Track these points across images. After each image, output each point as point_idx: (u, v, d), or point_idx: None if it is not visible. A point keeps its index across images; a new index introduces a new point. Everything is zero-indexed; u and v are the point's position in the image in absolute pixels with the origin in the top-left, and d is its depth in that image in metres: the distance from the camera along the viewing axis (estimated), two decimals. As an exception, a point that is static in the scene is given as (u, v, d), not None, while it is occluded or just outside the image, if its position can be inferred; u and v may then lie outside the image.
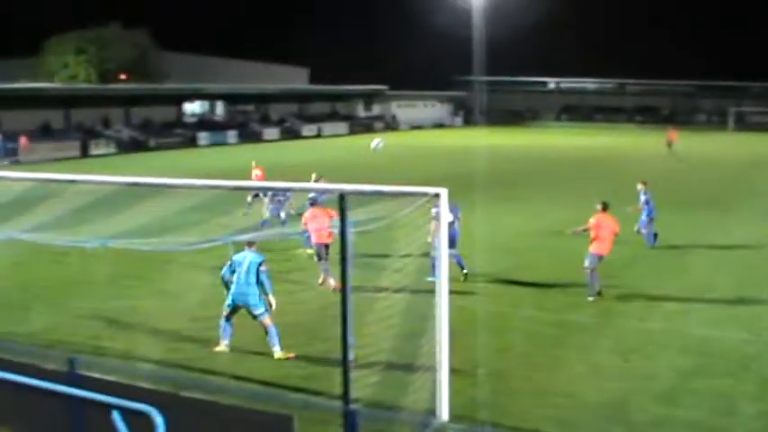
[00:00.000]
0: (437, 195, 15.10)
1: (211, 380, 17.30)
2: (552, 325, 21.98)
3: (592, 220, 25.33)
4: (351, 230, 13.78)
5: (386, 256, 16.76)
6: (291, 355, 19.23)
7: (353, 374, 14.13)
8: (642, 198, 32.24)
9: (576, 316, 22.78)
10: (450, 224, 23.43)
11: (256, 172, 39.44)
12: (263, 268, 19.34)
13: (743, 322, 22.27)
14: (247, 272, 19.26)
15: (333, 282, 24.01)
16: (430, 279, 19.51)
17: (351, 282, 14.04)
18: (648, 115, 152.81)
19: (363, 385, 15.02)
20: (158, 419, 8.87)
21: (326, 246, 25.52)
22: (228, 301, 19.54)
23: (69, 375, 13.60)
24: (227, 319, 19.64)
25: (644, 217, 32.04)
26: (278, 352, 19.18)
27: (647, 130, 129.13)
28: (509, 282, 26.67)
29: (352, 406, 13.35)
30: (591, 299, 24.34)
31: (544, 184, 51.52)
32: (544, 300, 24.53)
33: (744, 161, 68.13)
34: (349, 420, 12.40)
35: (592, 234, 25.08)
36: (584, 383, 17.69)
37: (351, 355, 13.92)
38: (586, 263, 24.77)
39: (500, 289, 25.66)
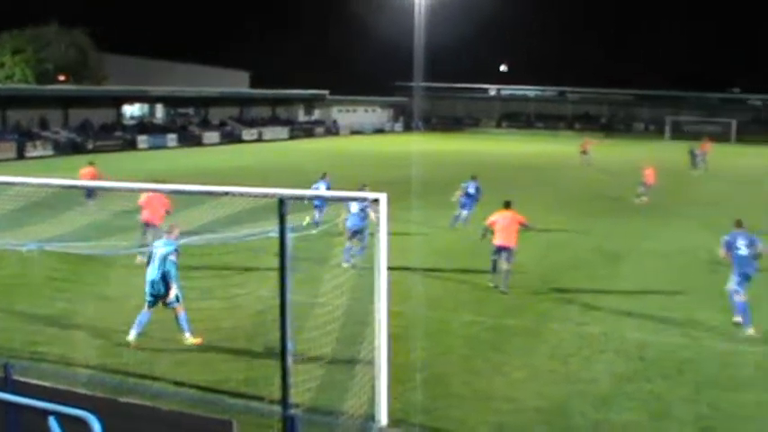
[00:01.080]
0: (376, 201, 15.13)
1: (150, 385, 17.19)
2: (491, 329, 22.06)
3: (491, 218, 27.26)
4: (290, 235, 13.75)
5: (325, 260, 16.81)
6: (199, 340, 19.85)
7: (293, 379, 14.11)
8: None
9: (514, 320, 22.90)
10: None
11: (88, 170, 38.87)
12: (171, 257, 19.74)
13: (678, 327, 22.56)
14: (159, 261, 19.81)
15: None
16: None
17: (290, 286, 14.02)
18: (588, 123, 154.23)
19: (303, 390, 15.03)
20: (96, 425, 8.79)
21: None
22: (148, 291, 19.97)
23: (4, 381, 13.44)
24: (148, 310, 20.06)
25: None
26: (188, 338, 19.86)
27: (587, 137, 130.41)
28: (447, 286, 26.76)
29: (292, 411, 13.34)
30: (490, 284, 26.62)
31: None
32: (483, 304, 24.64)
33: (679, 168, 68.75)
34: (288, 425, 12.39)
35: (493, 229, 26.94)
36: (522, 388, 17.79)
37: (290, 360, 13.89)
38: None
39: (439, 293, 25.72)
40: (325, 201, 34.29)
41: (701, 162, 70.19)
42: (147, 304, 20.04)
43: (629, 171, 59.18)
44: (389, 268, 15.36)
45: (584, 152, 77.15)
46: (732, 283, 22.94)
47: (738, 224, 23.63)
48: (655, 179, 50.61)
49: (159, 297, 19.97)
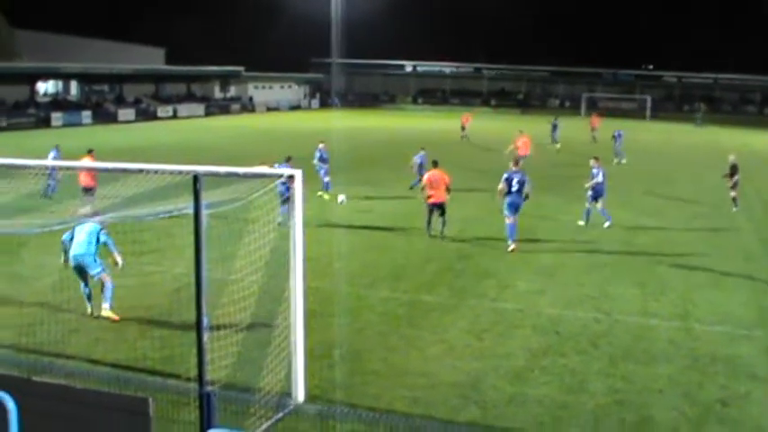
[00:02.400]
0: (291, 177, 15.14)
1: (65, 363, 17.05)
2: (407, 305, 22.18)
3: (425, 175, 32.08)
4: (205, 212, 13.70)
5: (239, 237, 16.73)
6: (116, 317, 20.16)
7: (209, 356, 14.09)
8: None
9: (430, 296, 23.05)
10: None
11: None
12: (104, 232, 20.56)
13: (592, 302, 22.86)
14: (87, 235, 20.42)
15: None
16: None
17: (205, 264, 13.98)
18: (503, 99, 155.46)
19: (219, 367, 14.99)
20: (10, 404, 8.73)
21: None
22: (72, 265, 20.57)
23: None
24: (85, 284, 20.76)
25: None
26: (106, 309, 20.37)
27: (502, 113, 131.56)
28: (364, 263, 26.85)
29: (208, 388, 13.33)
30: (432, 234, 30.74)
31: (399, 167, 51.81)
32: (399, 280, 24.76)
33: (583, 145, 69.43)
34: (205, 402, 12.40)
35: (427, 188, 30.94)
36: (438, 363, 17.92)
37: (205, 337, 13.87)
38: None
39: (355, 270, 25.77)
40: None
41: (557, 138, 71.45)
42: (81, 280, 20.79)
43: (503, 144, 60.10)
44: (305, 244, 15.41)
45: (463, 127, 78.74)
46: (505, 210, 29.13)
47: (516, 163, 30.00)
48: (527, 150, 52.69)
49: (80, 268, 20.55)
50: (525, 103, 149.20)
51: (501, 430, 14.86)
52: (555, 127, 71.88)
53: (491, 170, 43.02)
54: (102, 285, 20.52)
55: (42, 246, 25.14)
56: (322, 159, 41.04)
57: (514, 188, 28.98)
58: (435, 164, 32.05)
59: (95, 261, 20.54)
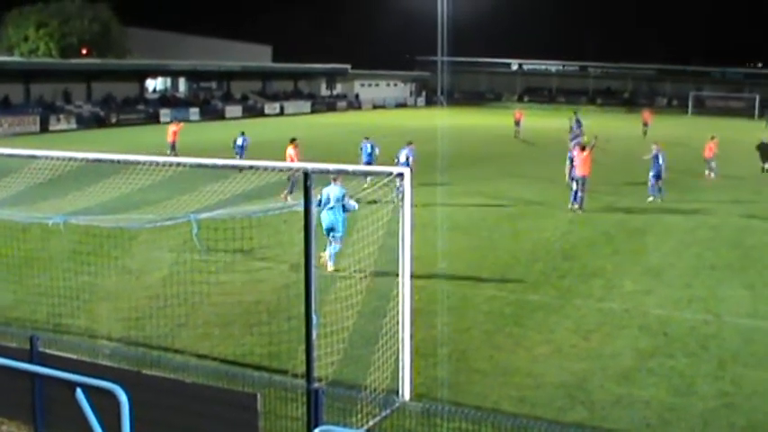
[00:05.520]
0: (401, 175, 15.14)
1: (173, 357, 17.27)
2: (513, 304, 22.06)
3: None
4: (315, 209, 13.78)
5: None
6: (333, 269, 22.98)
7: (316, 353, 14.15)
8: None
9: (536, 296, 22.91)
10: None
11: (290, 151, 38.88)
12: (345, 199, 23.38)
13: (701, 303, 22.50)
14: (335, 201, 23.60)
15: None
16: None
17: (314, 260, 14.04)
18: (609, 98, 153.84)
19: (326, 364, 15.09)
20: (123, 397, 8.82)
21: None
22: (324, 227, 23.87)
23: (31, 353, 13.55)
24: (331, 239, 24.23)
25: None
26: (330, 267, 23.43)
27: (608, 112, 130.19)
28: (470, 261, 26.77)
29: (316, 384, 13.39)
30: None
31: (505, 164, 51.61)
32: (505, 280, 24.64)
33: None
34: (313, 399, 12.45)
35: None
36: (544, 363, 17.81)
37: (314, 334, 13.93)
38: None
39: (461, 269, 25.70)
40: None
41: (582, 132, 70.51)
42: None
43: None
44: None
45: (517, 122, 79.09)
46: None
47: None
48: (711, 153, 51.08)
49: (331, 231, 23.97)
50: (631, 102, 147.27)
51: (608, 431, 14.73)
52: (579, 122, 70.35)
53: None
54: (334, 247, 23.93)
55: (152, 240, 25.54)
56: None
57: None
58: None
59: (342, 224, 23.74)
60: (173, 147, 55.03)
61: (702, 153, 51.38)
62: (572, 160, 38.36)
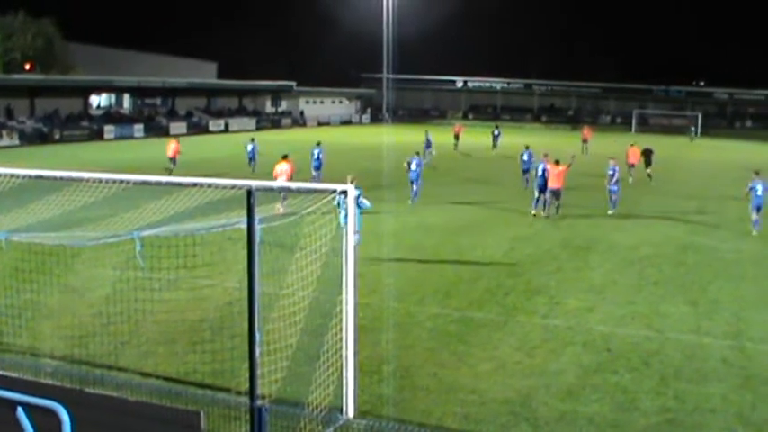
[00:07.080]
0: (344, 192, 15.18)
1: (116, 375, 17.16)
2: (457, 322, 22.11)
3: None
4: (258, 227, 13.77)
5: (291, 252, 16.76)
6: None
7: (260, 370, 14.14)
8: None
9: (480, 313, 22.98)
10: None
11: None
12: (360, 198, 21.60)
13: (644, 320, 22.70)
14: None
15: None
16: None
17: (258, 278, 14.04)
18: (554, 115, 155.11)
19: (269, 381, 15.07)
20: (65, 416, 8.78)
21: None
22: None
23: (-30, 371, 13.41)
24: None
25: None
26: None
27: (553, 129, 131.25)
28: (414, 279, 26.81)
29: (259, 402, 13.38)
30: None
31: (450, 183, 51.76)
32: (449, 296, 24.71)
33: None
34: (256, 417, 12.44)
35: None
36: (488, 380, 17.88)
37: (257, 352, 13.92)
38: None
39: (405, 286, 25.75)
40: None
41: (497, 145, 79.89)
42: None
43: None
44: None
45: (456, 137, 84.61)
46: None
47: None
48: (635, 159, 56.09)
49: None
50: (576, 119, 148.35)
51: (552, 448, 14.82)
52: (496, 136, 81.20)
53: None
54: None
55: (95, 257, 25.32)
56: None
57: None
58: (557, 162, 39.33)
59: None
60: (173, 161, 55.73)
61: (626, 160, 55.81)
62: (545, 171, 39.68)
